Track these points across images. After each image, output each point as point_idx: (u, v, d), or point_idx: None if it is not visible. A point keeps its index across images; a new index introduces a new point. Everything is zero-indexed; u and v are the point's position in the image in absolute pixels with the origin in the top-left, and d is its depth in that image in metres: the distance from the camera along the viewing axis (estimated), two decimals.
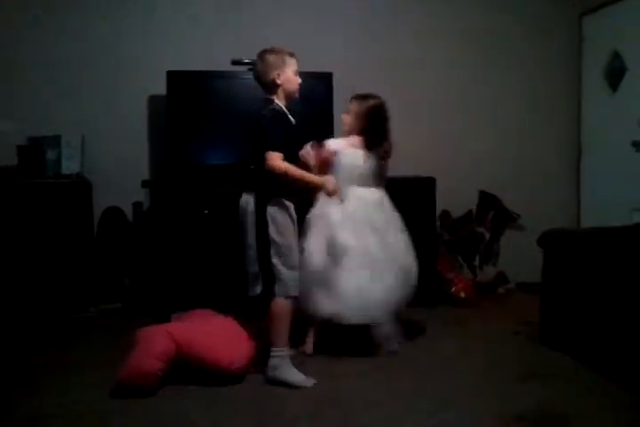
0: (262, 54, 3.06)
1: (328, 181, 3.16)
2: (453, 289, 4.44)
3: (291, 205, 3.03)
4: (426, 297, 4.32)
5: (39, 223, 4.05)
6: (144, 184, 4.26)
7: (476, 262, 4.80)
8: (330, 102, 4.32)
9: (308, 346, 3.38)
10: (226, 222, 4.14)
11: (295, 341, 3.25)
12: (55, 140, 4.24)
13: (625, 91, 4.55)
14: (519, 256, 4.71)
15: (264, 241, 2.96)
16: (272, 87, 3.05)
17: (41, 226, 4.05)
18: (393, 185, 4.39)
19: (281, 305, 2.98)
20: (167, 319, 3.36)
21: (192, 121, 4.28)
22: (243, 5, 4.62)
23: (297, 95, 3.14)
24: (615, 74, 4.62)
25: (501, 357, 3.29)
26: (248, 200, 3.01)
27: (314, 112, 4.31)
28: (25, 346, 3.44)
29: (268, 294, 3.00)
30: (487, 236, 4.84)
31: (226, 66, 4.30)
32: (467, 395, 2.76)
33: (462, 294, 4.41)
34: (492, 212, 4.83)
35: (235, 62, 4.33)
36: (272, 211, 2.95)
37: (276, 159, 2.92)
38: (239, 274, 3.15)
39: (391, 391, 2.81)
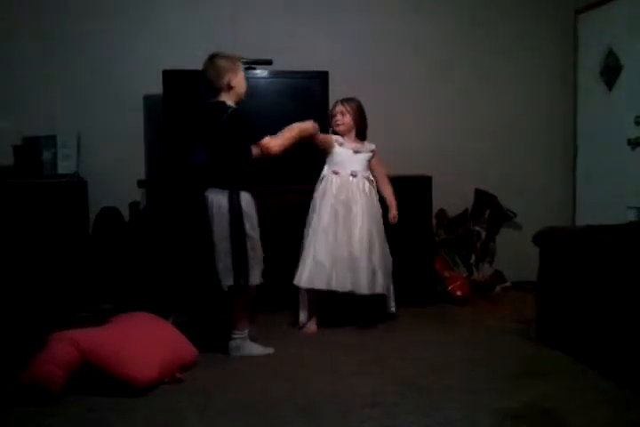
0: (213, 59, 3.28)
1: (308, 122, 3.54)
2: (450, 288, 4.44)
3: (252, 198, 3.27)
4: (422, 295, 4.34)
5: (35, 223, 4.05)
6: (140, 184, 4.25)
7: (473, 261, 4.81)
8: (326, 101, 4.31)
9: (312, 327, 3.77)
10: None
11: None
12: (51, 141, 4.24)
13: (621, 89, 4.55)
14: (515, 255, 4.72)
15: (240, 236, 3.18)
16: (224, 90, 3.25)
17: (37, 226, 4.05)
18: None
19: (252, 293, 3.31)
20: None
21: (188, 120, 4.27)
22: (239, 4, 4.62)
23: (244, 98, 3.36)
24: (611, 72, 4.62)
25: (498, 354, 3.29)
26: (217, 198, 3.20)
27: (310, 111, 4.31)
28: (19, 345, 3.43)
29: (242, 284, 3.21)
30: (483, 234, 4.84)
31: None
32: (463, 392, 2.76)
33: (458, 293, 4.41)
34: (489, 210, 4.84)
35: None
36: (246, 208, 3.21)
37: (271, 141, 3.28)
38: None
39: (387, 388, 2.81)
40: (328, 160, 3.89)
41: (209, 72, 3.27)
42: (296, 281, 3.71)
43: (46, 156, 4.22)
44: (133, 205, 4.34)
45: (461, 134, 4.96)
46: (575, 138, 5.08)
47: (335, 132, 3.93)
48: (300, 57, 4.47)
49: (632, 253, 2.86)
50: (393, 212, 3.93)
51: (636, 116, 4.28)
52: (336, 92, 4.31)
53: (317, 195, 3.84)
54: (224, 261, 3.19)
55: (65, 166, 4.25)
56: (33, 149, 4.20)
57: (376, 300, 3.85)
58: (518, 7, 5.02)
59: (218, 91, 3.26)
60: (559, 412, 2.52)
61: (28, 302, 3.98)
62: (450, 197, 4.71)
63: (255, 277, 3.26)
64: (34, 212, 4.05)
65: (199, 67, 4.23)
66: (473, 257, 4.81)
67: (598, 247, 3.09)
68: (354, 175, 3.84)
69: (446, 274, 4.53)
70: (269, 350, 3.33)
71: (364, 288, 3.71)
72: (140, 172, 4.50)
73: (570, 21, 5.05)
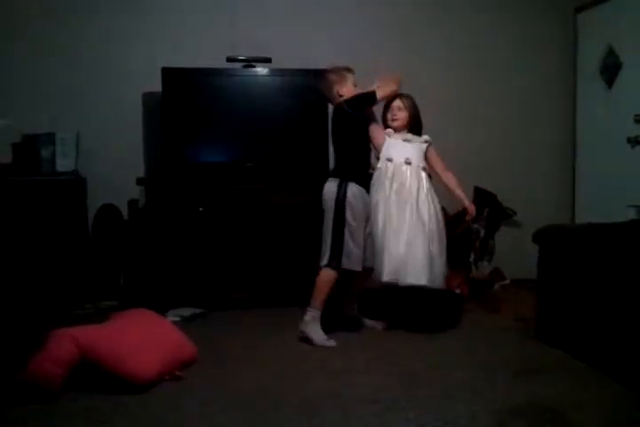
0: (325, 74, 3.70)
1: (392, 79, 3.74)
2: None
3: (363, 191, 3.59)
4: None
5: (34, 221, 4.04)
6: (139, 182, 4.25)
7: (472, 259, 4.80)
8: (325, 100, 4.29)
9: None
10: (221, 220, 4.15)
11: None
12: (50, 138, 4.23)
13: (620, 87, 4.55)
14: (515, 253, 4.71)
15: (340, 222, 3.48)
16: (337, 99, 3.67)
17: (36, 224, 4.04)
18: None
19: (333, 275, 3.49)
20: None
21: (187, 118, 4.28)
22: (238, 2, 4.61)
23: None
24: (610, 70, 4.62)
25: (497, 352, 3.29)
26: (330, 187, 3.55)
27: (309, 109, 4.31)
28: (19, 344, 3.43)
29: (334, 266, 3.48)
30: (482, 232, 4.83)
31: (221, 63, 4.29)
32: (463, 390, 2.76)
33: (457, 291, 4.41)
34: (488, 208, 4.83)
35: (230, 59, 4.33)
36: (351, 198, 3.50)
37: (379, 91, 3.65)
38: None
39: (387, 386, 2.82)
40: (380, 155, 3.85)
41: (322, 86, 3.71)
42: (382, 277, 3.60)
43: (45, 153, 4.21)
44: (132, 203, 4.34)
45: (460, 132, 4.95)
46: (575, 136, 5.08)
47: (389, 127, 3.90)
48: (299, 55, 4.46)
49: (632, 251, 2.86)
50: (466, 203, 3.92)
51: (636, 115, 4.27)
52: None
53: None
54: (325, 243, 3.50)
55: (64, 164, 4.24)
56: (32, 147, 4.19)
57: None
58: (518, 5, 5.01)
59: (332, 100, 3.72)
60: (559, 410, 2.53)
61: (27, 299, 3.98)
62: (449, 195, 4.69)
63: (348, 262, 3.48)
64: (33, 209, 4.04)
65: (198, 64, 4.26)
66: (472, 255, 4.80)
67: (598, 245, 3.09)
68: (408, 163, 3.79)
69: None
70: (331, 343, 3.42)
71: (422, 279, 3.60)
72: (139, 169, 4.50)
73: (569, 19, 5.04)
